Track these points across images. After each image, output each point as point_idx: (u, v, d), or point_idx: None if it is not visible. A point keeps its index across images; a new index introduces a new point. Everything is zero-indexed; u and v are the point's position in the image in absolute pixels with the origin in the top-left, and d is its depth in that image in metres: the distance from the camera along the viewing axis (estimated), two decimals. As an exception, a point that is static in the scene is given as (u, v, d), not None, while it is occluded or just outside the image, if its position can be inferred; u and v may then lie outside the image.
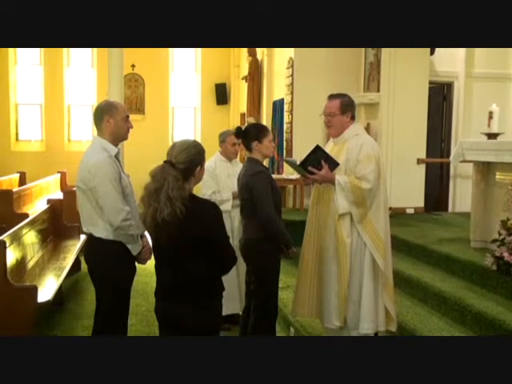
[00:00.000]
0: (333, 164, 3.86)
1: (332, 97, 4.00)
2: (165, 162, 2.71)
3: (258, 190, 3.83)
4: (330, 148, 4.11)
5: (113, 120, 3.51)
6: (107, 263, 3.47)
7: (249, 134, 4.00)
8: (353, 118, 3.99)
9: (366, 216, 3.83)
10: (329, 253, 3.93)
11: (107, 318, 3.54)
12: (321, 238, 3.99)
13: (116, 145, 3.57)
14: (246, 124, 8.63)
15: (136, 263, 3.64)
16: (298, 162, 4.02)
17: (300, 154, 3.94)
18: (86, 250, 3.68)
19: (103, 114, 3.52)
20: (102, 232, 3.46)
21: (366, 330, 3.84)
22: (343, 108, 3.92)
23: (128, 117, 3.62)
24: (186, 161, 2.71)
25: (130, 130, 3.65)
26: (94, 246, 3.54)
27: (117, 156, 3.54)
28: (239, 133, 4.08)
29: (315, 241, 4.04)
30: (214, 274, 2.82)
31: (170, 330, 2.84)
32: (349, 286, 3.84)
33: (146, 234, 3.61)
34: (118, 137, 3.58)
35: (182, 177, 2.67)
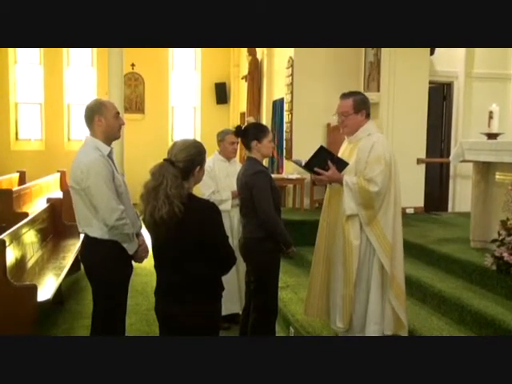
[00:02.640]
0: (341, 164, 3.81)
1: (345, 95, 3.91)
2: (164, 160, 2.71)
3: (257, 189, 3.82)
4: (344, 147, 4.08)
5: (104, 119, 3.49)
6: (103, 263, 3.46)
7: (248, 134, 3.98)
8: (367, 116, 3.90)
9: (374, 218, 3.77)
10: (337, 254, 3.91)
11: (105, 317, 3.53)
12: (330, 239, 3.98)
13: (109, 144, 3.55)
14: (245, 123, 8.64)
15: (133, 262, 3.64)
16: (304, 163, 3.99)
17: (299, 153, 3.94)
18: (81, 250, 3.67)
19: (93, 113, 3.49)
20: (97, 232, 3.45)
21: (372, 332, 3.82)
22: (357, 106, 3.84)
23: (118, 113, 3.60)
24: (186, 160, 2.71)
25: (124, 126, 3.64)
26: (89, 246, 3.53)
27: (110, 155, 3.52)
28: (239, 131, 4.07)
29: (325, 242, 4.03)
30: (213, 273, 2.82)
31: (170, 329, 2.84)
32: (355, 288, 3.81)
33: (143, 232, 3.61)
34: (111, 135, 3.56)
35: (181, 175, 2.67)
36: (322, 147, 3.88)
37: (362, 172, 3.79)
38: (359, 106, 3.85)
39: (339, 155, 3.99)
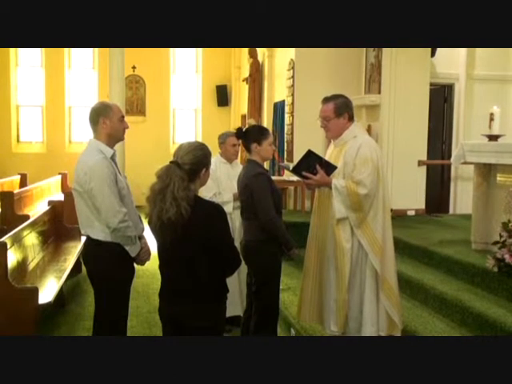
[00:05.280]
0: (330, 168, 3.79)
1: (326, 100, 3.91)
2: (171, 162, 2.72)
3: (258, 191, 3.82)
4: (330, 151, 4.07)
5: (109, 121, 3.49)
6: (105, 265, 3.46)
7: (249, 136, 3.98)
8: (351, 118, 3.90)
9: (364, 220, 3.77)
10: (328, 258, 3.90)
11: (107, 319, 3.53)
12: (322, 242, 3.97)
13: (112, 146, 3.55)
14: (246, 126, 8.65)
15: (135, 264, 3.64)
16: (291, 167, 3.98)
17: (300, 155, 3.91)
18: (84, 252, 3.67)
19: (98, 116, 3.49)
20: (100, 234, 3.45)
21: (368, 334, 3.81)
22: (338, 110, 3.84)
23: (123, 117, 3.60)
24: (192, 162, 2.72)
25: (126, 130, 3.65)
26: (91, 248, 3.53)
27: (113, 157, 3.52)
28: (240, 134, 4.07)
29: (317, 245, 4.02)
30: (218, 275, 2.82)
31: (173, 330, 2.83)
32: (349, 291, 3.80)
33: (145, 235, 3.61)
34: (115, 138, 3.57)
35: (187, 177, 2.68)
36: (310, 151, 3.85)
37: (350, 174, 3.78)
38: (340, 110, 3.85)
39: (326, 158, 3.98)
